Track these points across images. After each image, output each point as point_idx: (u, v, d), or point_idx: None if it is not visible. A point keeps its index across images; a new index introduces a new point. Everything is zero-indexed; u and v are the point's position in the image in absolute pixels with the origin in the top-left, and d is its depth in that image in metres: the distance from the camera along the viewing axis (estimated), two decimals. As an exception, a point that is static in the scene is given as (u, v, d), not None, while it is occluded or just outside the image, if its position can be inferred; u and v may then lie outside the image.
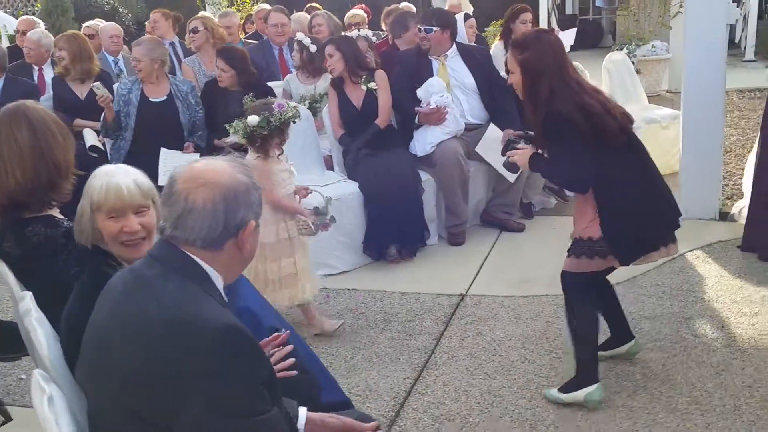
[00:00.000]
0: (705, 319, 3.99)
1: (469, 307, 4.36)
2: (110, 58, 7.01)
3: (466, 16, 6.73)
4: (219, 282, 1.78)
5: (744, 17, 12.82)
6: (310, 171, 5.32)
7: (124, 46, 7.51)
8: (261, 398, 1.64)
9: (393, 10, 7.38)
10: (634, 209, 3.19)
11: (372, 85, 5.27)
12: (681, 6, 10.50)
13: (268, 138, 3.93)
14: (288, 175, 4.05)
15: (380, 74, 5.33)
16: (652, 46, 10.53)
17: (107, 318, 1.72)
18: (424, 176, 5.23)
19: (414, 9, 7.72)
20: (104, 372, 1.67)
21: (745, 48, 12.84)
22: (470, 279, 4.74)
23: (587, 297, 3.31)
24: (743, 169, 6.55)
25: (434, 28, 5.49)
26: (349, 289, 4.73)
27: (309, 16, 8.01)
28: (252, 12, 10.01)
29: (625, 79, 6.98)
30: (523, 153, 3.40)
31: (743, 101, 10.07)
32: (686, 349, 3.70)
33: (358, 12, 8.31)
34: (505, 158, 3.53)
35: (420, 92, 5.26)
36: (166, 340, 1.59)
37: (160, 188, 4.63)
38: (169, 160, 5.12)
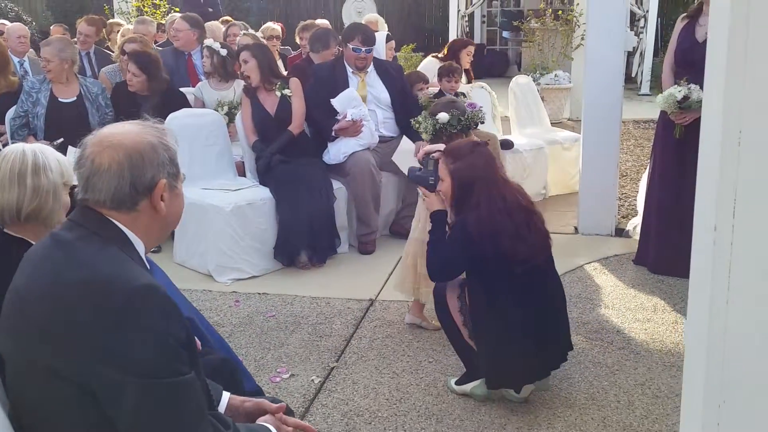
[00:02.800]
0: (601, 324, 4.20)
1: (378, 312, 4.45)
2: (16, 59, 6.84)
3: (388, 38, 6.91)
4: (140, 247, 1.79)
5: (640, 53, 13.53)
6: (222, 176, 5.34)
7: (30, 49, 7.34)
8: (176, 359, 1.65)
9: (309, 26, 7.49)
10: (501, 340, 3.20)
11: (286, 91, 5.34)
12: (582, 38, 11.03)
13: (455, 137, 3.96)
14: None
15: (294, 81, 5.40)
16: (555, 76, 10.96)
17: (25, 281, 1.72)
18: (337, 185, 5.31)
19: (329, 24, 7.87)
20: (22, 333, 1.66)
21: (641, 82, 13.54)
22: (380, 285, 4.83)
23: None
24: (637, 191, 6.93)
25: (372, 48, 5.64)
26: (259, 293, 4.74)
27: (223, 27, 8.05)
28: (164, 21, 9.97)
29: (530, 101, 7.27)
30: (434, 201, 3.43)
31: (638, 131, 10.62)
32: (584, 350, 3.89)
33: (273, 26, 8.40)
34: (417, 172, 3.60)
35: (336, 103, 5.35)
36: (81, 299, 1.60)
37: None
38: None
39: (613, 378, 3.63)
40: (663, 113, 4.89)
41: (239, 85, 6.01)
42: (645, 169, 8.13)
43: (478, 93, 6.88)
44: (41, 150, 2.36)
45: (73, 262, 1.67)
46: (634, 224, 5.72)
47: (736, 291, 1.04)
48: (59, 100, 5.22)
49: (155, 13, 11.35)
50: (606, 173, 5.67)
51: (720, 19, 1.08)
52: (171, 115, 5.14)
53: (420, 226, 4.08)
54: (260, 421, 2.06)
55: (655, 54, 13.45)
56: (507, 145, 6.31)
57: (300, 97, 5.36)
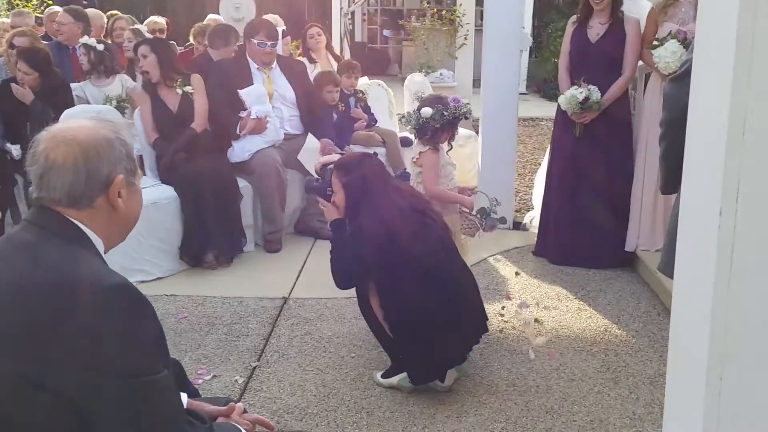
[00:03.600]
0: (512, 313, 4.36)
1: (293, 309, 4.44)
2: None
3: (284, 33, 6.86)
4: (100, 246, 1.73)
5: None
6: (123, 175, 5.16)
7: None
8: (152, 357, 1.62)
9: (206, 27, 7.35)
10: (412, 333, 3.31)
11: (188, 88, 5.22)
12: (466, 38, 11.36)
13: (439, 131, 3.99)
14: (452, 169, 4.13)
15: (196, 78, 5.30)
16: (440, 74, 11.23)
17: None
18: (242, 183, 5.25)
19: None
20: None
21: (518, 82, 14.05)
22: (291, 283, 4.82)
23: None
24: (527, 186, 7.22)
25: (278, 42, 5.59)
26: (167, 295, 4.63)
27: (105, 17, 7.76)
28: (38, 13, 9.52)
29: (425, 99, 7.41)
30: (332, 211, 3.49)
31: (519, 129, 11.00)
32: (499, 340, 4.03)
33: (157, 19, 8.19)
34: (314, 183, 3.67)
35: (245, 95, 5.28)
36: (51, 303, 1.55)
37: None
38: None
39: (529, 364, 3.78)
40: (560, 113, 5.13)
41: (125, 80, 5.84)
42: (531, 165, 8.49)
43: (375, 91, 6.97)
44: None
45: (38, 266, 1.60)
46: (531, 218, 5.96)
47: (738, 271, 1.13)
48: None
49: (26, 5, 10.80)
50: (504, 169, 5.87)
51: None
52: (67, 112, 4.92)
53: None
54: (221, 420, 2.04)
55: (530, 54, 13.98)
56: (407, 142, 6.41)
57: (202, 94, 5.26)
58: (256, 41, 5.50)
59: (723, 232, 1.11)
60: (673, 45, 4.67)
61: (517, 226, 5.95)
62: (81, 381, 1.52)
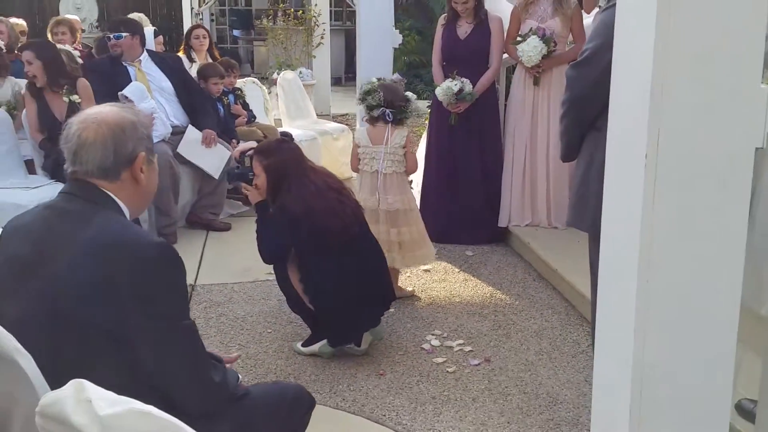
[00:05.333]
0: (408, 286, 4.77)
1: (203, 295, 4.64)
2: None
3: (156, 33, 6.95)
4: (127, 215, 1.98)
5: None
6: (13, 175, 5.16)
7: None
8: (187, 305, 1.93)
9: (63, 21, 7.29)
10: (331, 304, 3.66)
11: (75, 97, 5.21)
12: (322, 38, 11.72)
13: (377, 117, 4.34)
14: None
15: (83, 84, 5.28)
16: (300, 72, 11.51)
17: (34, 248, 1.86)
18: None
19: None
20: (47, 293, 1.79)
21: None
22: (194, 272, 5.00)
23: None
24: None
25: (124, 34, 5.67)
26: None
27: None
28: None
29: (297, 96, 7.74)
30: (255, 194, 3.75)
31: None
32: (400, 308, 4.42)
33: (18, 21, 8.00)
34: (236, 170, 3.90)
35: (128, 93, 5.37)
36: (109, 256, 1.79)
37: None
38: None
39: (429, 327, 4.21)
40: (436, 104, 5.60)
41: (11, 81, 5.78)
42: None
43: (250, 88, 7.21)
44: None
45: (90, 227, 1.84)
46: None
47: (660, 202, 1.56)
48: None
49: None
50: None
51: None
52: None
53: (362, 197, 4.34)
54: None
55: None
56: (287, 136, 6.69)
57: (90, 100, 5.22)
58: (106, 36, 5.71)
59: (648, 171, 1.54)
60: (534, 40, 5.26)
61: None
62: (135, 322, 1.78)
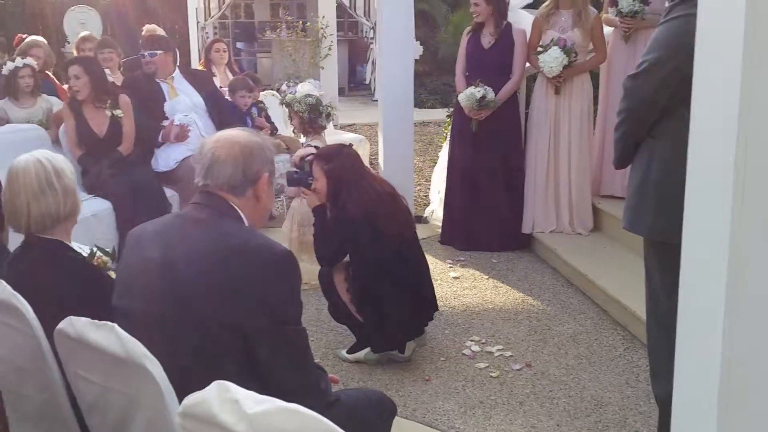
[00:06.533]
0: (441, 293, 4.85)
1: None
2: None
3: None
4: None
5: (372, 62, 14.70)
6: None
7: None
8: (301, 310, 2.06)
9: (89, 37, 7.38)
10: (381, 308, 3.74)
11: (118, 112, 5.30)
12: (330, 49, 11.85)
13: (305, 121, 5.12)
14: None
15: (124, 100, 5.36)
16: (309, 83, 11.63)
17: (164, 254, 2.00)
18: (169, 192, 5.44)
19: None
20: (179, 293, 1.94)
21: (374, 89, 14.71)
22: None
23: None
24: (426, 180, 7.76)
25: (158, 52, 5.78)
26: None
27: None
28: None
29: (314, 107, 7.82)
30: (313, 198, 3.86)
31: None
32: (437, 315, 4.47)
33: (36, 38, 8.06)
34: (295, 175, 3.98)
35: (167, 108, 5.48)
36: (240, 261, 1.93)
37: None
38: None
39: (467, 333, 4.31)
40: (458, 114, 5.72)
41: (44, 99, 5.85)
42: (421, 162, 9.04)
43: (270, 101, 7.30)
44: (47, 155, 2.45)
45: (220, 234, 2.00)
46: (431, 211, 6.52)
47: (750, 203, 1.67)
48: None
49: None
50: (404, 168, 6.38)
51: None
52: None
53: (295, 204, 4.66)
54: None
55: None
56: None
57: (130, 117, 5.31)
58: (142, 53, 5.80)
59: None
60: (555, 51, 5.38)
61: (419, 219, 6.48)
62: (257, 323, 1.91)
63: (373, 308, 3.78)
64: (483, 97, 5.41)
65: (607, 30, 5.65)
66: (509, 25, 5.60)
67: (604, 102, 5.77)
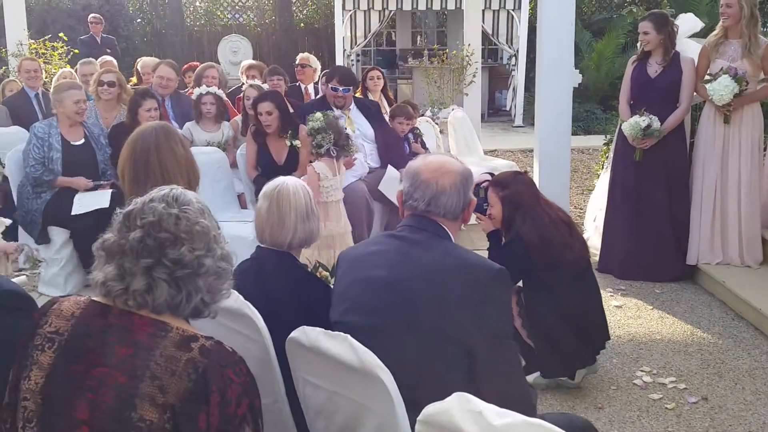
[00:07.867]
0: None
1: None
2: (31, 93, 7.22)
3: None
4: None
5: (513, 88, 14.74)
6: (228, 209, 5.58)
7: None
8: (513, 326, 2.14)
9: (255, 65, 7.83)
10: (549, 333, 3.78)
11: (297, 142, 5.59)
12: (474, 76, 11.97)
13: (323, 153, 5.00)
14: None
15: (303, 132, 5.54)
16: (453, 109, 11.80)
17: (390, 272, 2.15)
18: (333, 214, 5.68)
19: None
20: (402, 308, 2.10)
21: (515, 115, 14.74)
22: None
23: None
24: (580, 208, 7.69)
25: (350, 88, 6.09)
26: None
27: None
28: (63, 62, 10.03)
29: (466, 133, 7.98)
30: (488, 223, 3.94)
31: (527, 159, 11.64)
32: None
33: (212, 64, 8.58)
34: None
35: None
36: (460, 278, 2.08)
37: (73, 217, 5.09)
38: (85, 197, 5.15)
39: (636, 363, 4.26)
40: (620, 140, 5.68)
41: (226, 127, 6.23)
42: (576, 189, 8.97)
43: (425, 127, 7.48)
44: (303, 183, 2.72)
45: (438, 253, 2.14)
46: (586, 238, 6.46)
47: None
48: (71, 143, 5.29)
49: (53, 54, 11.15)
50: (559, 196, 6.36)
51: None
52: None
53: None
54: None
55: (526, 89, 14.65)
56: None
57: (307, 147, 5.48)
58: (331, 86, 6.02)
59: None
60: (725, 80, 5.26)
61: (573, 247, 6.45)
62: (479, 338, 2.02)
63: (545, 334, 3.82)
64: (648, 126, 5.36)
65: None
66: (677, 53, 5.53)
67: (775, 132, 5.59)
